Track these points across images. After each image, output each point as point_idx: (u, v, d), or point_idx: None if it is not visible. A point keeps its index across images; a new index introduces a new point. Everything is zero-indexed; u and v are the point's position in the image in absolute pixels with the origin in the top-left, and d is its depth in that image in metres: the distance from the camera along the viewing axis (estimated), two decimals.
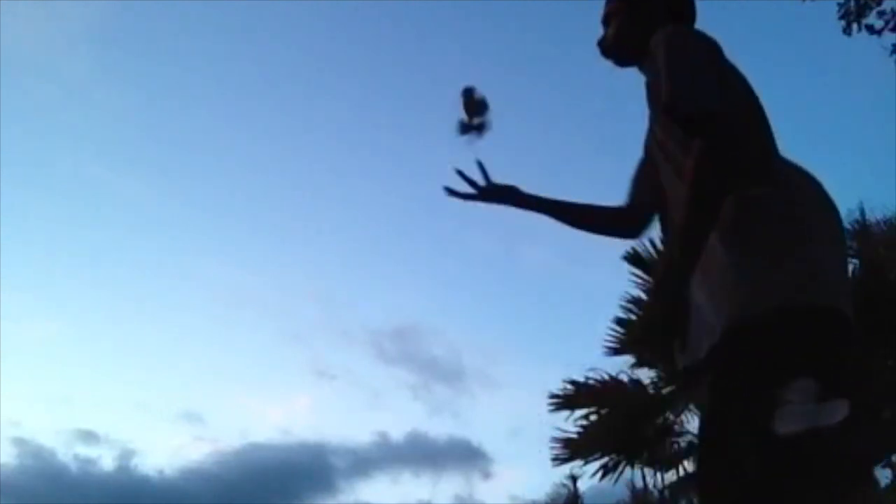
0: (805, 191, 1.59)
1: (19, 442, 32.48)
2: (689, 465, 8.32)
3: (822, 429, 1.37)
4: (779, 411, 1.39)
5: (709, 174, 1.46)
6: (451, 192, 1.93)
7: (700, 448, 1.58)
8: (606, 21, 1.85)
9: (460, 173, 1.92)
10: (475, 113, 1.85)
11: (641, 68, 1.79)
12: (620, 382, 8.49)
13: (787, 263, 1.47)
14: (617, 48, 1.82)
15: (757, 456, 1.40)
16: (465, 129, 1.86)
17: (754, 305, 1.45)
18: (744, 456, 1.41)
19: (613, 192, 1.93)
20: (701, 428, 1.56)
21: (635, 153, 1.90)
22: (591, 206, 1.95)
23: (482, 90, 1.85)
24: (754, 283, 1.46)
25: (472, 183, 1.93)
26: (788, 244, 1.49)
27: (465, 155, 1.89)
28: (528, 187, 1.97)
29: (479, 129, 1.86)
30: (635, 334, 8.29)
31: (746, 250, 1.49)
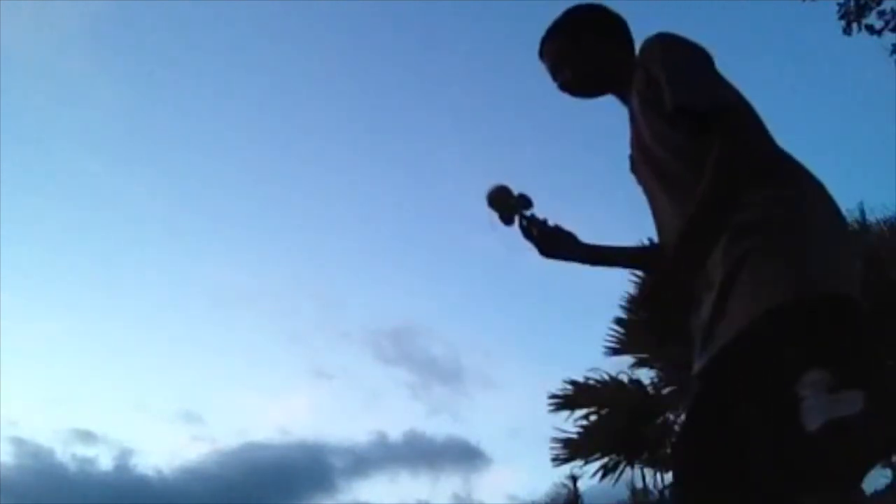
0: (809, 187, 1.58)
1: (17, 441, 32.40)
2: None
3: (845, 420, 1.35)
4: (801, 407, 1.37)
5: (734, 170, 1.46)
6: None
7: (698, 449, 1.53)
8: (556, 68, 1.86)
9: (527, 224, 1.89)
10: (517, 208, 1.86)
11: (618, 92, 1.81)
12: (620, 382, 8.51)
13: (800, 258, 1.45)
14: (582, 84, 1.85)
15: (776, 457, 1.39)
16: (510, 221, 1.86)
17: (770, 301, 1.42)
18: (763, 458, 1.40)
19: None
20: (701, 424, 1.53)
21: None
22: (641, 249, 1.93)
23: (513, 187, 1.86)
24: (768, 281, 1.44)
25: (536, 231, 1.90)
26: (800, 240, 1.47)
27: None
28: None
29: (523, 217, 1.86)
30: (635, 334, 8.30)
31: (759, 250, 1.47)
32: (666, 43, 1.63)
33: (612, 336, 8.54)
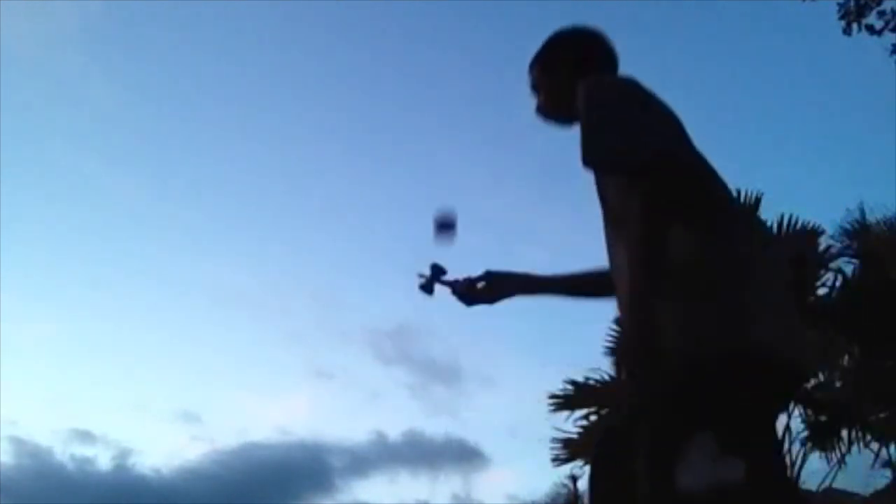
0: (742, 236, 1.54)
1: (16, 441, 32.35)
2: None
3: (726, 486, 1.35)
4: (680, 465, 1.36)
5: (651, 227, 1.41)
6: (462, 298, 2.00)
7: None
8: (533, 93, 1.89)
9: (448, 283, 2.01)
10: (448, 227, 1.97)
11: None
12: (620, 383, 8.50)
13: (710, 309, 1.43)
14: (551, 112, 1.86)
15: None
16: (432, 280, 2.03)
17: (685, 350, 1.41)
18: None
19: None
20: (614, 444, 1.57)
21: None
22: (586, 275, 1.94)
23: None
24: (673, 330, 1.41)
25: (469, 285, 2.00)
26: (715, 290, 1.45)
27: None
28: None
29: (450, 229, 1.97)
30: None
31: (671, 296, 1.44)
32: (588, 92, 1.60)
33: (613, 336, 8.54)
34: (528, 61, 1.90)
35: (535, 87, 1.89)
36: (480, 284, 1.99)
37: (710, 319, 1.43)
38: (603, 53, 1.84)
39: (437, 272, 2.02)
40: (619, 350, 1.67)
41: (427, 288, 2.02)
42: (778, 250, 1.58)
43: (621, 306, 1.58)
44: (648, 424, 1.44)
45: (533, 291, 1.98)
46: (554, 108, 1.84)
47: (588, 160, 1.52)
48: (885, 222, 7.98)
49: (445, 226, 1.94)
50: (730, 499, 1.35)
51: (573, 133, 1.81)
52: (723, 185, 1.61)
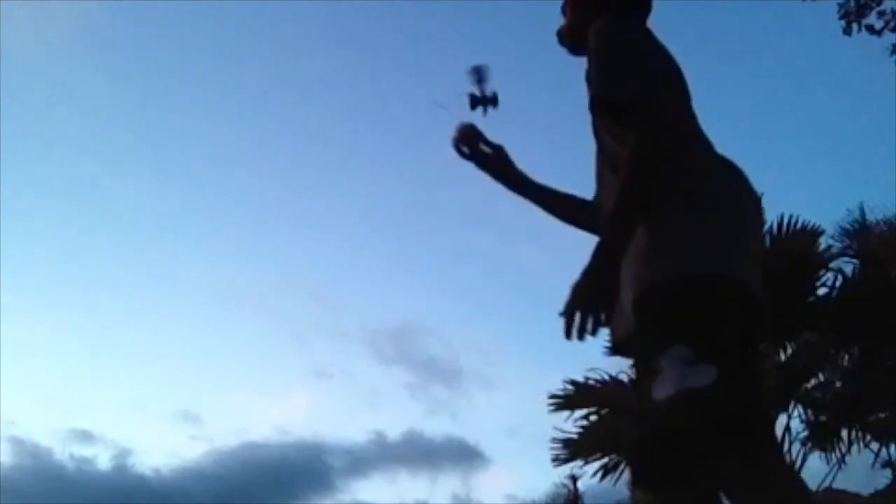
0: (714, 173, 1.61)
1: (15, 441, 32.46)
2: None
3: (694, 390, 1.40)
4: (655, 379, 1.44)
5: (647, 165, 1.49)
6: (458, 148, 1.96)
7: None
8: (563, 10, 1.91)
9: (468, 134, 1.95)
10: (486, 86, 1.91)
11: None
12: (620, 382, 8.49)
13: (680, 237, 1.51)
14: (569, 37, 1.87)
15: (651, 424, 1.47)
16: (477, 101, 1.91)
17: (650, 277, 1.50)
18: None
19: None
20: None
21: None
22: (570, 198, 1.97)
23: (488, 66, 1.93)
24: (651, 258, 1.51)
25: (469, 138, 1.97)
26: (684, 219, 1.53)
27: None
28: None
29: (493, 101, 1.91)
30: None
31: (648, 229, 1.53)
32: (600, 31, 1.67)
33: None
34: None
35: (564, 6, 1.90)
36: (486, 148, 1.97)
37: (676, 246, 1.51)
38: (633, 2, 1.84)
39: (479, 76, 1.90)
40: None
41: (480, 100, 1.90)
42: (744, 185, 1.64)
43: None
44: (642, 349, 1.54)
45: (514, 188, 1.99)
46: (574, 38, 1.84)
47: (595, 99, 1.59)
48: (885, 222, 8.00)
49: (479, 75, 1.90)
50: (699, 400, 1.40)
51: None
52: (693, 115, 1.68)
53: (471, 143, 1.96)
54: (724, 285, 1.49)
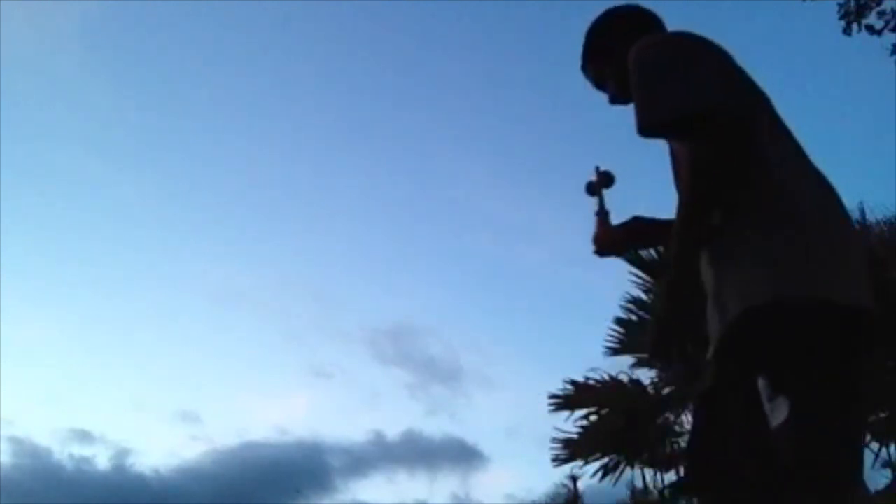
0: (798, 186, 1.53)
1: (15, 441, 32.36)
2: None
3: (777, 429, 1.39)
4: (768, 406, 1.42)
5: (707, 175, 1.44)
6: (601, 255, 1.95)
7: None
8: (600, 87, 1.87)
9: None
10: (604, 184, 1.99)
11: None
12: (620, 382, 8.49)
13: (766, 262, 1.45)
14: (622, 96, 1.81)
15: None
16: (592, 190, 2.00)
17: (748, 301, 1.45)
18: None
19: None
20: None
21: None
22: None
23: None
24: (734, 286, 1.46)
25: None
26: (770, 244, 1.47)
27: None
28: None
29: (600, 196, 1.99)
30: (635, 334, 8.29)
31: (729, 255, 1.49)
32: (635, 57, 1.60)
33: (612, 336, 8.54)
34: (579, 64, 1.88)
35: (600, 81, 1.86)
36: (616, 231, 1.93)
37: (755, 273, 1.45)
38: (644, 20, 1.80)
39: (605, 180, 1.99)
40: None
41: (593, 189, 1.99)
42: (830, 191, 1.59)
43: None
44: (710, 371, 1.48)
45: (655, 244, 2.04)
46: (625, 90, 1.77)
47: (642, 127, 1.53)
48: (884, 222, 7.98)
49: (605, 179, 1.97)
50: (775, 440, 1.38)
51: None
52: (783, 132, 1.61)
53: (606, 247, 1.98)
54: (822, 312, 1.43)
